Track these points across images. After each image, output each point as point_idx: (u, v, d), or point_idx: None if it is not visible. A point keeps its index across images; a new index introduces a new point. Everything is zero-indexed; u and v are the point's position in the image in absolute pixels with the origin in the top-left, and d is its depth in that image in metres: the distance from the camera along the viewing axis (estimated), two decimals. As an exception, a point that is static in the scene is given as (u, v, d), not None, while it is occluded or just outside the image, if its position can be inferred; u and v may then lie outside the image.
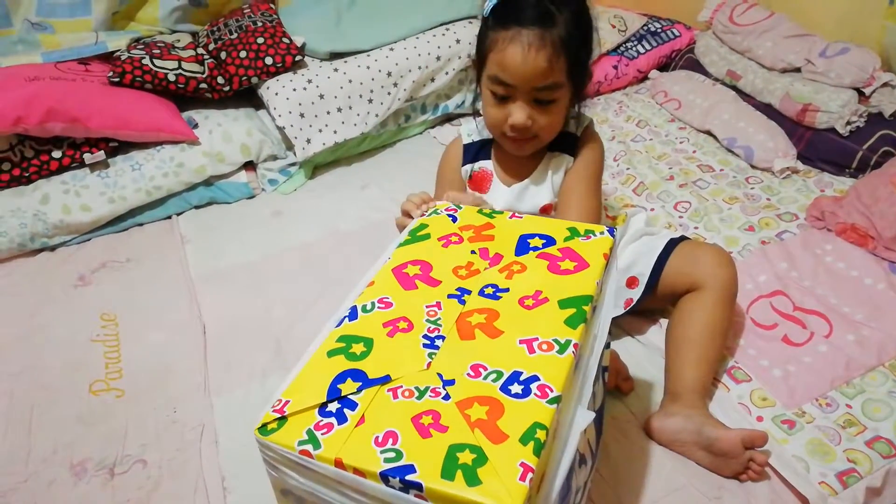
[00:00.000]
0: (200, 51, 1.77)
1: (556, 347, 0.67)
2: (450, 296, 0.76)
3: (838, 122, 1.56)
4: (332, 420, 0.62)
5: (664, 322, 1.19)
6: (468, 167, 1.18)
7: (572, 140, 1.12)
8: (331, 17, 1.92)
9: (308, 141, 1.72)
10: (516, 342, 0.68)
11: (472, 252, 0.82)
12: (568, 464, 0.61)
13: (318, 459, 0.60)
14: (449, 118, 1.99)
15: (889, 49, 1.60)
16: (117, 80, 1.63)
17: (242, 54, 1.73)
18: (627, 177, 1.63)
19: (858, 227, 1.33)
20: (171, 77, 1.66)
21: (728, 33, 1.87)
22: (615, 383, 1.08)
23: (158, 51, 1.70)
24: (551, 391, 0.62)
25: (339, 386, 0.65)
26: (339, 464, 0.59)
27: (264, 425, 0.63)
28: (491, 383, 0.64)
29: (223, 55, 1.74)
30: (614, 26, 2.09)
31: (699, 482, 0.95)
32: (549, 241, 0.82)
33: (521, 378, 0.64)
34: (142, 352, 1.27)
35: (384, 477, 0.57)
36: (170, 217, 1.65)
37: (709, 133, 1.76)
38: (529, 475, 0.55)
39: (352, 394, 0.65)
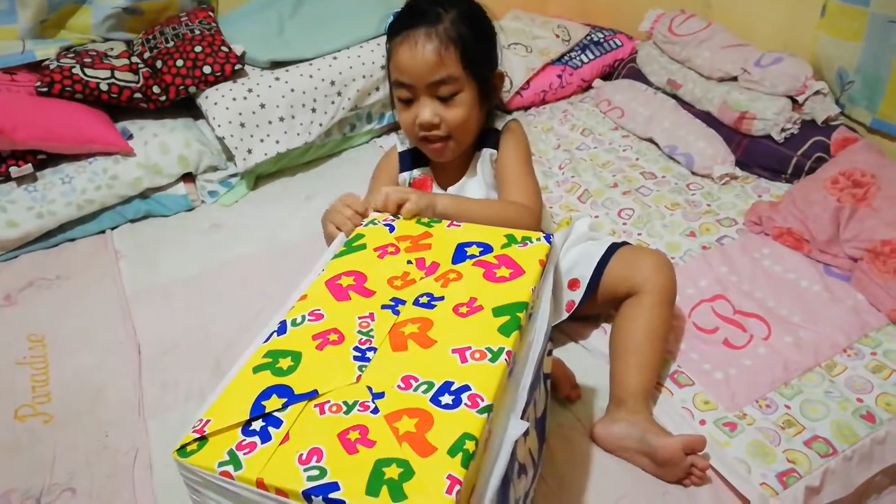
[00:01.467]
0: (135, 59, 1.71)
1: (489, 356, 0.66)
2: (384, 306, 0.75)
3: (773, 129, 1.60)
4: (256, 439, 0.61)
5: (608, 327, 1.19)
6: (406, 175, 1.19)
7: (494, 134, 1.15)
8: (272, 25, 1.88)
9: (249, 151, 1.68)
10: (449, 351, 0.67)
11: (409, 262, 0.81)
12: (500, 474, 0.60)
13: (240, 480, 0.58)
14: (395, 127, 1.96)
15: (821, 58, 1.65)
16: (45, 90, 1.57)
17: (179, 63, 1.68)
18: (573, 185, 1.64)
19: (794, 231, 1.36)
20: (104, 87, 1.60)
21: (668, 43, 1.91)
22: (566, 392, 1.07)
23: (90, 59, 1.64)
24: (482, 400, 0.62)
25: (263, 403, 0.64)
26: (260, 484, 0.57)
27: (184, 447, 0.61)
28: (421, 395, 0.63)
29: (159, 64, 1.69)
30: (558, 36, 2.12)
31: (644, 488, 0.95)
32: (486, 248, 0.82)
33: (452, 388, 0.63)
34: (72, 374, 1.21)
35: (307, 496, 0.55)
36: (103, 231, 1.59)
37: (651, 141, 1.79)
38: (457, 487, 0.54)
39: (277, 411, 0.63)
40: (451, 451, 0.57)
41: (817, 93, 1.60)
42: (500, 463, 0.61)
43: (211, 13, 1.87)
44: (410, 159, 1.19)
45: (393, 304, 0.75)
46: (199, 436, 0.62)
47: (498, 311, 0.72)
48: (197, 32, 1.74)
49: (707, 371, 1.11)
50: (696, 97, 1.80)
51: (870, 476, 1.00)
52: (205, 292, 1.39)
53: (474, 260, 0.80)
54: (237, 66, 1.72)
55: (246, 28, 1.86)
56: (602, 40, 2.14)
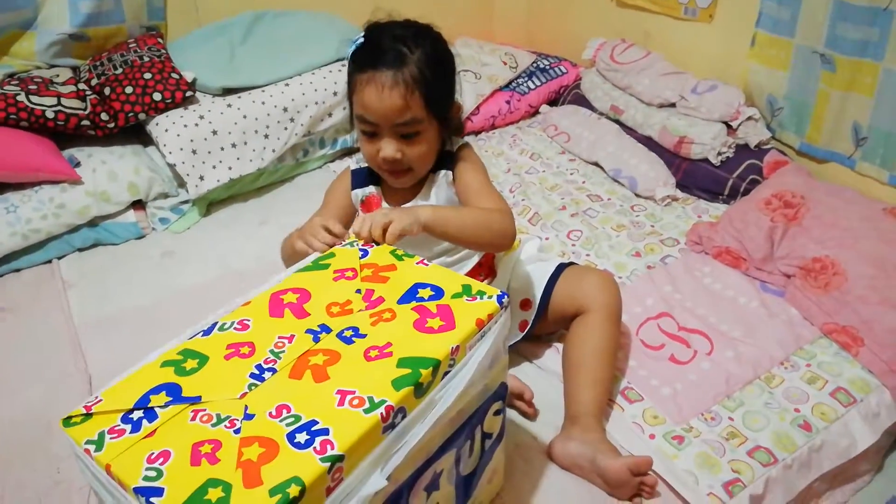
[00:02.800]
0: (82, 86, 1.69)
1: (366, 405, 0.65)
2: (308, 330, 0.76)
3: (710, 152, 1.69)
4: (127, 427, 0.65)
5: (560, 346, 1.23)
6: (358, 192, 1.21)
7: (448, 156, 1.17)
8: (224, 52, 1.89)
9: (201, 178, 1.68)
10: (333, 391, 0.67)
11: (357, 291, 0.82)
12: None
13: (95, 461, 0.62)
14: (348, 152, 1.99)
15: (752, 86, 1.76)
16: (-11, 117, 1.53)
17: (129, 90, 1.67)
18: (523, 207, 1.69)
19: (732, 249, 1.44)
20: (50, 114, 1.57)
21: (610, 71, 1.99)
22: (523, 409, 1.11)
23: (35, 87, 1.61)
24: (332, 448, 0.61)
25: (151, 396, 0.67)
26: (108, 469, 0.61)
27: (70, 417, 0.66)
28: (283, 426, 0.63)
29: (107, 91, 1.67)
30: (506, 63, 2.18)
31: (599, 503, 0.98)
32: (438, 293, 0.81)
33: (313, 428, 0.63)
34: (19, 409, 1.18)
35: (136, 492, 0.58)
36: (50, 261, 1.55)
37: (596, 164, 1.86)
38: None
39: (158, 407, 0.66)
40: (273, 491, 0.57)
41: (750, 118, 1.70)
42: None
43: (160, 39, 1.86)
44: (363, 177, 1.21)
45: (318, 330, 0.76)
46: (86, 412, 0.66)
47: (402, 363, 0.70)
48: (146, 59, 1.73)
49: (655, 386, 1.16)
50: (637, 122, 1.88)
51: (809, 482, 1.06)
52: (156, 322, 1.37)
53: (417, 304, 0.79)
54: (188, 93, 1.72)
55: (196, 55, 1.86)
56: (548, 67, 2.21)
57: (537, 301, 1.19)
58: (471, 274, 1.22)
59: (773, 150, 1.68)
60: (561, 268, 1.21)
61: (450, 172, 1.16)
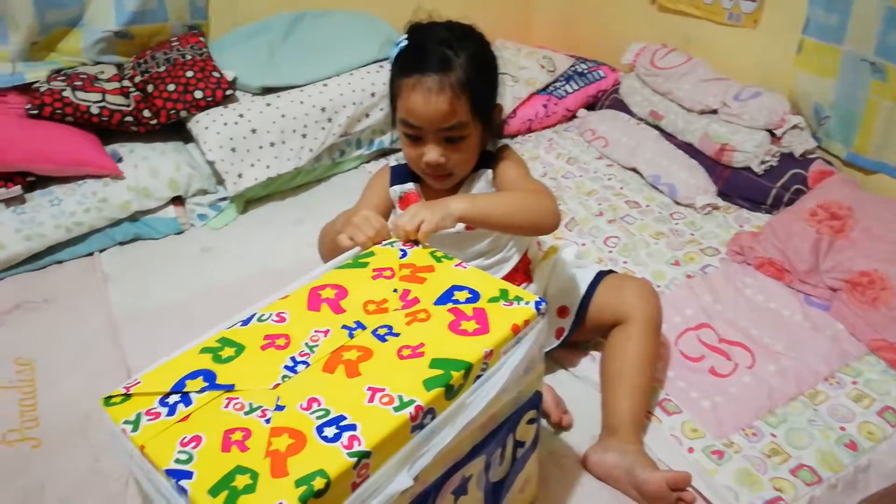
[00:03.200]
0: (126, 83, 1.72)
1: (396, 403, 0.65)
2: (344, 326, 0.76)
3: (753, 161, 1.65)
4: (164, 410, 0.66)
5: (596, 354, 1.22)
6: (397, 188, 1.20)
7: (489, 155, 1.16)
8: (263, 51, 1.90)
9: (240, 175, 1.69)
10: (364, 387, 0.67)
11: (394, 290, 0.82)
12: None
13: (131, 441, 0.64)
14: (384, 153, 1.99)
15: (798, 94, 1.72)
16: (36, 112, 1.56)
17: (171, 87, 1.69)
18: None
19: (775, 261, 1.40)
20: (95, 110, 1.60)
21: (650, 76, 1.96)
22: (557, 419, 1.09)
23: (81, 83, 1.64)
24: (359, 444, 0.61)
25: (187, 381, 0.69)
26: (142, 449, 0.62)
27: (110, 397, 0.68)
28: (312, 419, 0.64)
29: (150, 88, 1.70)
30: (543, 66, 2.16)
31: (635, 517, 0.97)
32: (475, 296, 0.80)
33: (342, 423, 0.63)
34: (60, 398, 1.19)
35: (168, 474, 0.60)
36: (91, 254, 1.58)
37: (634, 170, 1.83)
38: None
39: (194, 392, 0.68)
40: (299, 482, 0.57)
41: (795, 127, 1.66)
42: None
43: (202, 38, 1.88)
44: (402, 174, 1.20)
45: (354, 326, 0.76)
46: (126, 392, 0.68)
47: (435, 364, 0.70)
48: (188, 57, 1.75)
49: (694, 399, 1.14)
50: (678, 128, 1.85)
51: None
52: (194, 316, 1.38)
53: (453, 306, 0.79)
54: (228, 92, 1.73)
55: (237, 54, 1.88)
56: (586, 71, 2.19)
57: (575, 308, 1.17)
58: (507, 278, 1.20)
59: (819, 159, 1.64)
60: (600, 275, 1.20)
61: (490, 171, 1.15)
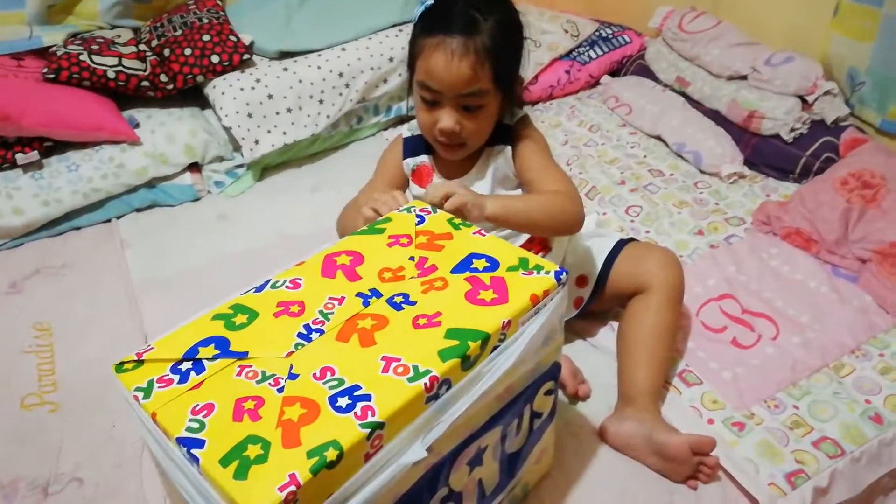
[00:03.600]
0: (142, 47, 1.70)
1: (411, 373, 0.64)
2: (359, 294, 0.74)
3: (783, 128, 1.60)
4: (176, 377, 0.65)
5: (615, 325, 1.19)
6: (410, 161, 1.17)
7: (506, 130, 1.12)
8: (280, 15, 1.87)
9: (256, 142, 1.68)
10: (379, 357, 0.66)
11: (411, 258, 0.80)
12: (372, 492, 0.59)
13: (143, 408, 0.63)
14: (402, 120, 1.96)
15: (832, 58, 1.65)
16: (52, 76, 1.56)
17: (187, 52, 1.67)
18: (581, 181, 1.63)
19: (803, 231, 1.36)
20: (111, 74, 1.59)
21: (677, 41, 1.90)
22: (573, 390, 1.08)
23: (97, 46, 1.63)
24: (372, 415, 0.60)
25: (200, 348, 0.68)
26: (154, 417, 0.62)
27: (122, 363, 0.67)
28: (325, 389, 0.63)
29: (167, 52, 1.68)
30: (567, 31, 2.11)
31: (651, 487, 0.95)
32: (493, 265, 0.78)
33: (356, 393, 0.62)
34: (78, 364, 1.20)
35: (179, 442, 0.59)
36: (109, 220, 1.58)
37: (659, 138, 1.78)
38: (291, 488, 0.54)
39: (206, 359, 0.66)
40: (311, 453, 0.56)
41: (827, 93, 1.60)
42: (377, 481, 0.60)
43: (219, 2, 1.86)
44: (415, 146, 1.17)
45: (369, 294, 0.74)
46: (138, 359, 0.67)
47: (451, 334, 0.68)
48: (205, 21, 1.73)
49: (715, 370, 1.11)
50: (704, 95, 1.79)
51: (877, 477, 1.00)
52: (210, 283, 1.38)
53: (471, 275, 0.77)
54: (245, 56, 1.71)
55: (254, 18, 1.85)
56: (611, 36, 2.13)
57: (594, 278, 1.15)
58: (524, 248, 1.18)
59: (852, 127, 1.58)
60: (620, 244, 1.17)
61: (509, 148, 1.11)
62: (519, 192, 1.15)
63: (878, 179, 1.36)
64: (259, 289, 0.76)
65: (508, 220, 1.00)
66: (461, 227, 0.86)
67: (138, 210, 1.61)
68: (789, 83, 1.61)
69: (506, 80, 1.03)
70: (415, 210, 0.89)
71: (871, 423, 1.01)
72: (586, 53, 2.10)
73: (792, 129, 1.59)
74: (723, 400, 1.06)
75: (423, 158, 1.16)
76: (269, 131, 1.69)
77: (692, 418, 1.04)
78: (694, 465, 0.93)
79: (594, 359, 1.16)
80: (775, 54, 1.68)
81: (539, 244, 1.18)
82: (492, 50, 0.98)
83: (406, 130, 1.20)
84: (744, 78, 1.72)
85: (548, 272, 0.76)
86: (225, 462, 0.56)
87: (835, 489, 0.96)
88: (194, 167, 1.66)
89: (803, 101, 1.62)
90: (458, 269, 0.78)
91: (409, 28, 1.84)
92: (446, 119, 1.02)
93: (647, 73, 1.99)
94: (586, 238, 1.20)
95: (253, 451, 0.57)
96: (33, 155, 1.49)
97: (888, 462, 1.00)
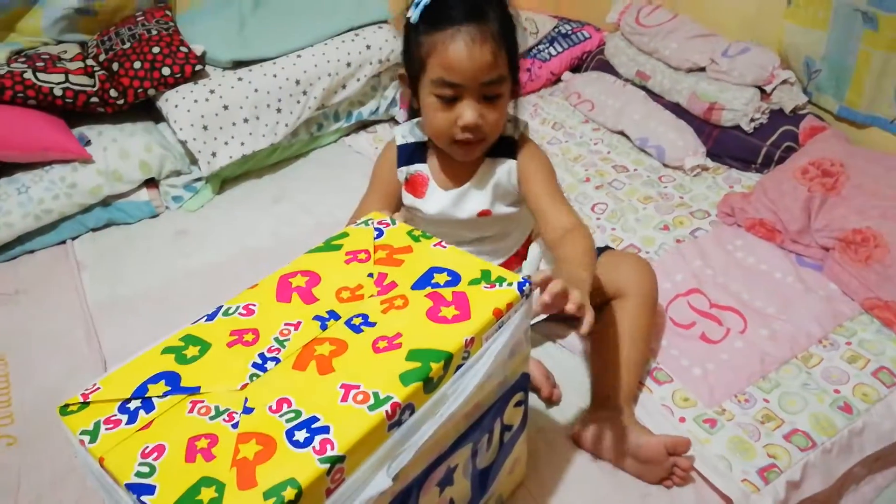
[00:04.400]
0: (90, 62, 1.65)
1: (371, 401, 0.61)
2: (316, 317, 0.71)
3: (742, 119, 1.60)
4: (124, 418, 0.62)
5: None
6: (404, 170, 1.14)
7: (509, 143, 1.09)
8: (233, 23, 1.83)
9: (213, 154, 1.64)
10: (338, 385, 0.63)
11: (370, 275, 0.77)
12: None
13: (89, 452, 0.60)
14: (364, 125, 1.94)
15: (788, 47, 1.66)
16: (-4, 96, 1.50)
17: (137, 65, 1.62)
18: (544, 180, 1.62)
19: (766, 221, 1.37)
20: (58, 91, 1.54)
21: (635, 34, 1.90)
22: (547, 394, 1.06)
23: (42, 63, 1.57)
24: (332, 448, 0.57)
25: (149, 385, 0.65)
26: (101, 462, 0.59)
27: (67, 405, 0.64)
28: (282, 422, 0.60)
29: (115, 66, 1.63)
30: (526, 29, 2.09)
31: (625, 490, 0.94)
32: (455, 279, 0.76)
33: (314, 425, 0.59)
34: (35, 392, 1.16)
35: (128, 489, 0.56)
36: (64, 242, 1.53)
37: (622, 133, 1.78)
38: None
39: (156, 397, 0.64)
40: (268, 493, 0.54)
41: (785, 82, 1.61)
42: None
43: (168, 12, 1.81)
44: (409, 154, 1.14)
45: (327, 316, 0.71)
46: (83, 400, 0.64)
47: (412, 356, 0.65)
48: (154, 33, 1.69)
49: (686, 367, 1.11)
50: (665, 88, 1.80)
51: (849, 467, 1.00)
52: (172, 302, 1.35)
53: (432, 290, 0.74)
54: (197, 67, 1.67)
55: (205, 27, 1.81)
56: (570, 32, 2.13)
57: None
58: (507, 263, 1.17)
59: (810, 115, 1.59)
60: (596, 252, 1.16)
61: (514, 164, 1.08)
62: (515, 209, 1.12)
63: (838, 167, 1.37)
64: (211, 317, 0.73)
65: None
66: (421, 238, 0.83)
67: (94, 230, 1.56)
68: (747, 74, 1.62)
69: (516, 66, 1.02)
70: (373, 223, 0.87)
71: (840, 413, 1.02)
72: (546, 50, 2.09)
73: (752, 120, 1.60)
74: (694, 397, 1.06)
75: (420, 167, 1.13)
76: (226, 143, 1.65)
77: (664, 417, 1.03)
78: (668, 466, 0.93)
79: (565, 361, 1.15)
80: (732, 45, 1.69)
81: (522, 257, 1.17)
82: (503, 34, 0.96)
83: (399, 137, 1.15)
84: (702, 70, 1.73)
85: (510, 284, 0.74)
86: None
87: (807, 482, 0.96)
88: (151, 183, 1.62)
89: (762, 91, 1.63)
90: (418, 285, 0.75)
91: (365, 32, 1.84)
92: (469, 113, 0.98)
93: (607, 67, 1.99)
94: None
95: (206, 494, 0.54)
96: (-21, 178, 1.44)
97: (859, 451, 1.01)
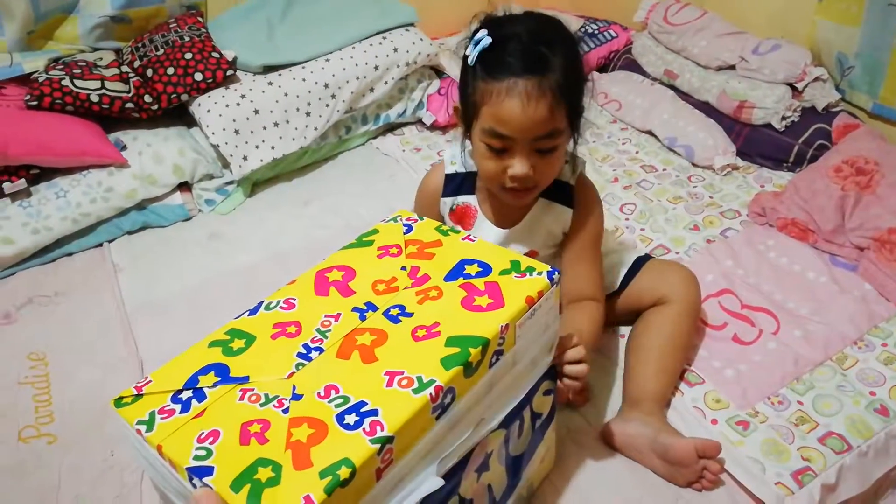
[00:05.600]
0: (125, 69, 1.69)
1: (415, 385, 0.64)
2: (355, 308, 0.74)
3: (774, 117, 1.58)
4: (177, 407, 0.64)
5: (620, 331, 1.18)
6: (450, 200, 1.11)
7: (567, 189, 1.06)
8: (262, 29, 1.86)
9: (245, 158, 1.66)
10: (382, 372, 0.66)
11: (402, 268, 0.80)
12: None
13: (147, 441, 0.62)
14: (391, 128, 1.95)
15: (819, 44, 1.64)
16: (35, 103, 1.54)
17: (170, 71, 1.66)
18: (572, 180, 1.62)
19: (799, 221, 1.35)
20: (95, 98, 1.58)
21: (663, 33, 1.89)
22: (564, 397, 1.06)
23: (79, 70, 1.61)
24: (381, 429, 0.59)
25: (199, 377, 0.67)
26: (159, 450, 0.61)
27: (121, 398, 0.66)
28: (332, 407, 0.62)
29: (150, 72, 1.67)
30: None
31: (656, 492, 0.94)
32: (486, 270, 0.78)
33: (363, 409, 0.62)
34: (74, 392, 1.19)
35: (188, 472, 0.58)
36: (101, 245, 1.57)
37: (650, 133, 1.77)
38: None
39: (207, 387, 0.66)
40: (323, 473, 0.56)
41: (817, 79, 1.59)
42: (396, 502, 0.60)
43: (200, 18, 1.84)
44: (458, 184, 1.10)
45: (365, 308, 0.74)
46: (137, 393, 0.66)
47: (451, 342, 0.68)
48: (187, 39, 1.72)
49: (717, 368, 1.10)
50: (693, 87, 1.78)
51: (886, 471, 0.99)
52: (206, 303, 1.37)
53: (465, 281, 0.76)
54: (229, 72, 1.70)
55: (236, 33, 1.84)
56: (597, 32, 2.12)
57: (612, 289, 1.15)
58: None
59: (843, 112, 1.57)
60: (642, 260, 1.17)
61: (570, 213, 1.06)
62: (553, 251, 1.12)
63: (872, 165, 1.35)
64: (253, 311, 0.76)
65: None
66: (449, 233, 0.85)
67: (129, 233, 1.60)
68: (778, 71, 1.60)
69: (577, 117, 0.97)
70: (401, 219, 0.89)
71: (876, 415, 1.00)
72: (573, 50, 2.08)
73: (783, 118, 1.58)
74: (726, 399, 1.05)
75: (468, 199, 1.10)
76: (257, 146, 1.68)
77: (695, 419, 1.03)
78: (698, 469, 0.92)
79: (597, 365, 1.14)
80: (762, 42, 1.67)
81: None
82: (565, 86, 0.90)
83: (448, 165, 1.12)
84: (732, 68, 1.71)
85: (540, 273, 0.77)
86: (236, 486, 0.56)
87: (843, 485, 0.95)
88: (184, 186, 1.65)
89: (793, 88, 1.61)
90: (451, 277, 0.78)
91: (392, 35, 1.85)
92: (519, 166, 0.94)
93: (635, 67, 1.98)
94: (606, 253, 1.18)
95: (264, 473, 0.57)
96: (20, 183, 1.48)
97: (896, 454, 0.99)
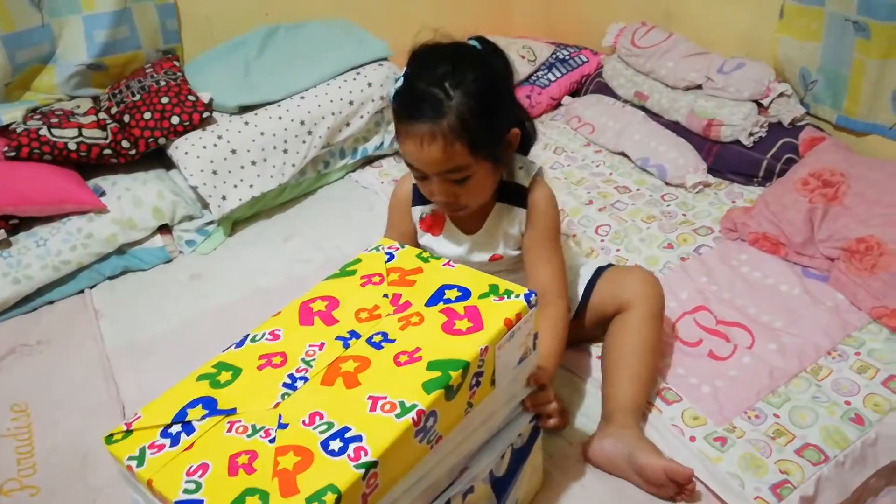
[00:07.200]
0: (102, 115, 1.71)
1: (398, 409, 0.66)
2: (338, 337, 0.76)
3: (742, 133, 1.62)
4: (167, 441, 0.66)
5: (595, 351, 1.19)
6: (419, 209, 1.16)
7: (521, 192, 1.09)
8: (238, 69, 1.89)
9: (224, 198, 1.68)
10: (365, 397, 0.68)
11: (385, 296, 0.82)
12: None
13: (137, 477, 0.63)
14: (369, 160, 1.97)
15: (782, 60, 1.68)
16: (13, 154, 1.56)
17: (147, 116, 1.68)
18: (548, 204, 1.64)
19: (769, 235, 1.37)
20: (72, 146, 1.59)
21: (632, 56, 1.93)
22: (557, 421, 1.07)
23: (56, 119, 1.63)
24: (365, 455, 0.61)
25: (188, 410, 0.69)
26: (149, 484, 0.62)
27: (112, 435, 0.67)
28: (316, 434, 0.64)
29: (127, 118, 1.69)
30: (524, 57, 2.13)
31: (639, 511, 0.94)
32: (465, 294, 0.80)
33: (347, 435, 0.64)
34: (57, 442, 1.19)
35: None
36: (82, 291, 1.57)
37: (623, 154, 1.80)
38: None
39: (195, 420, 0.68)
40: (310, 499, 0.58)
41: (781, 95, 1.62)
42: None
43: (176, 63, 1.87)
44: (423, 194, 1.14)
45: (348, 336, 0.76)
46: (127, 429, 0.68)
47: (432, 366, 0.70)
48: (163, 83, 1.74)
49: (694, 385, 1.11)
50: (663, 108, 1.82)
51: (864, 479, 0.99)
52: (188, 344, 1.37)
53: (445, 306, 0.79)
54: (205, 114, 1.72)
55: (212, 74, 1.86)
56: (568, 57, 2.16)
57: (576, 302, 1.16)
58: None
59: (809, 126, 1.60)
60: (600, 270, 1.19)
61: (524, 213, 1.09)
62: (519, 252, 1.14)
63: (838, 177, 1.38)
64: (239, 344, 0.78)
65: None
66: (430, 259, 0.88)
67: (110, 278, 1.60)
68: (743, 89, 1.64)
69: (486, 148, 0.99)
70: (383, 248, 0.91)
71: (852, 424, 1.01)
72: (545, 77, 2.12)
73: (751, 134, 1.61)
74: (703, 415, 1.06)
75: (434, 207, 1.14)
76: (235, 186, 1.69)
77: (675, 437, 1.03)
78: (672, 490, 0.93)
79: (573, 386, 1.15)
80: (727, 61, 1.71)
81: None
82: (461, 128, 0.94)
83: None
84: (699, 87, 1.75)
85: (518, 296, 0.79)
86: None
87: (822, 496, 0.96)
88: (164, 229, 1.66)
89: (759, 104, 1.64)
90: (431, 302, 0.80)
91: (366, 70, 1.88)
92: (438, 193, 1.02)
93: (606, 90, 2.02)
94: (567, 268, 1.20)
95: (252, 503, 0.58)
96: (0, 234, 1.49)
97: (873, 463, 1.00)
